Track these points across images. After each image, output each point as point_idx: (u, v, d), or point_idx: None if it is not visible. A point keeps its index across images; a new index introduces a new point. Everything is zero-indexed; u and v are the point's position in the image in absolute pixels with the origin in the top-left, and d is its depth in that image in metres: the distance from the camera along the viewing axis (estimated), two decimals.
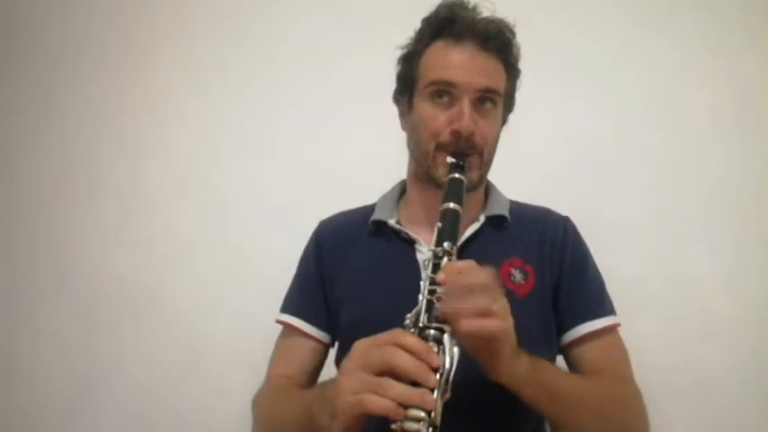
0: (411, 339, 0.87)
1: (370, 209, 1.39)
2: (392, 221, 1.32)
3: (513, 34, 1.26)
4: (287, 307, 1.40)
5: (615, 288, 1.36)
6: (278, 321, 1.38)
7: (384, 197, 1.42)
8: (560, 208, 1.42)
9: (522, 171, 1.88)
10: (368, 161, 2.00)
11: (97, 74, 2.25)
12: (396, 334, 0.88)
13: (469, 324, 0.87)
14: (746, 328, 1.87)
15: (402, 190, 1.43)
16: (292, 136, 2.15)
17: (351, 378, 0.87)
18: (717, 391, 1.85)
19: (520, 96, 1.94)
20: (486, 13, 1.24)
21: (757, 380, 1.85)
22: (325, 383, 1.06)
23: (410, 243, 1.29)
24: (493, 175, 1.37)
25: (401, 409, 0.82)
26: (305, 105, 2.15)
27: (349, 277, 1.32)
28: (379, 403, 0.82)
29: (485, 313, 0.88)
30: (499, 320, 0.89)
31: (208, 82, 2.22)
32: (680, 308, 1.90)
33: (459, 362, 0.88)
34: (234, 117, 2.19)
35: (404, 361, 0.84)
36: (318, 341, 1.34)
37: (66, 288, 2.16)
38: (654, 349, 1.82)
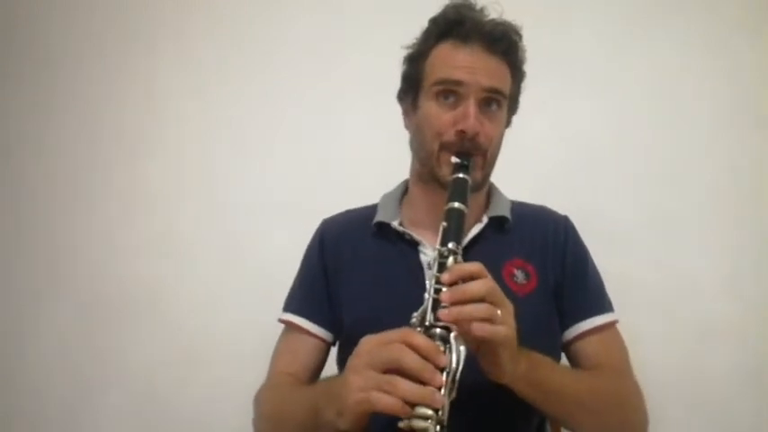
0: (420, 338, 0.87)
1: (372, 209, 1.39)
2: (395, 224, 1.32)
3: (520, 37, 1.27)
4: (290, 305, 1.39)
5: (614, 288, 1.36)
6: (281, 320, 1.38)
7: (386, 197, 1.42)
8: (558, 207, 1.44)
9: (519, 170, 1.87)
10: (368, 161, 2.01)
11: (97, 74, 2.25)
12: (404, 332, 0.89)
13: (481, 328, 0.88)
14: (746, 328, 1.89)
15: (404, 190, 1.43)
16: (292, 136, 2.15)
17: (358, 375, 0.87)
18: (716, 391, 1.86)
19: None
20: (493, 14, 1.25)
21: (757, 380, 1.87)
22: (330, 379, 1.07)
23: (414, 245, 1.29)
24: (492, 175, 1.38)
25: (408, 408, 0.82)
26: (305, 105, 2.15)
27: (352, 278, 1.33)
28: (387, 401, 0.83)
29: (488, 320, 0.89)
30: (504, 327, 0.90)
31: (208, 82, 2.22)
32: (679, 308, 1.92)
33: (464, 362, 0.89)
34: (234, 117, 2.19)
35: (412, 360, 0.84)
36: (322, 339, 1.34)
37: (67, 288, 2.15)
38: (653, 349, 1.83)
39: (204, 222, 2.15)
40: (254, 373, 1.36)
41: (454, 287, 0.91)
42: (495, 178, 1.40)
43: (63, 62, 2.26)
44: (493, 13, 1.25)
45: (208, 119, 2.20)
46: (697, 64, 2.01)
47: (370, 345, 0.90)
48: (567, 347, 1.30)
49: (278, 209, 2.09)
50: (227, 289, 2.09)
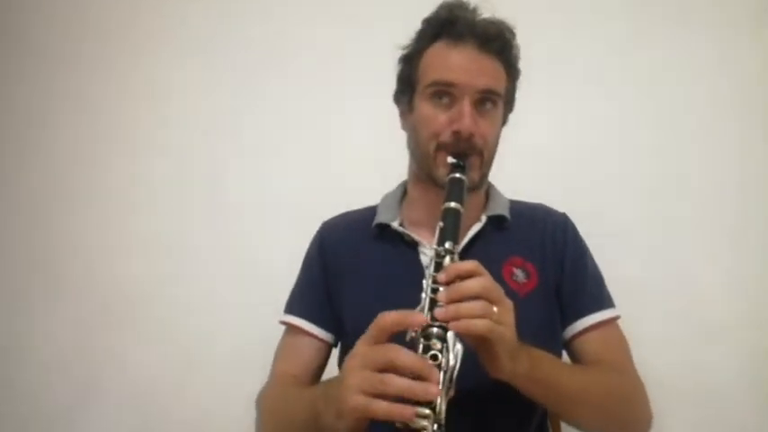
0: (406, 356, 0.86)
1: (372, 210, 1.40)
2: (395, 224, 1.32)
3: (514, 35, 1.27)
4: (292, 308, 1.40)
5: (615, 289, 1.36)
6: (282, 322, 1.39)
7: (386, 198, 1.43)
8: (558, 207, 1.44)
9: (519, 170, 1.86)
10: (369, 161, 2.00)
11: (97, 71, 2.23)
12: (390, 348, 0.88)
13: (473, 325, 0.88)
14: (747, 330, 1.87)
15: (404, 191, 1.43)
16: (295, 135, 2.14)
17: (354, 376, 0.87)
18: (717, 393, 1.85)
19: (517, 94, 1.94)
20: (486, 14, 1.25)
21: (758, 381, 1.85)
22: (329, 381, 1.07)
23: (413, 245, 1.30)
24: (491, 175, 1.38)
25: (410, 409, 0.82)
26: (309, 104, 2.14)
27: (354, 282, 1.33)
28: (385, 409, 0.83)
29: (484, 317, 0.89)
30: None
31: (210, 80, 2.21)
32: (680, 309, 1.90)
33: (463, 360, 0.89)
34: (237, 116, 2.18)
35: (407, 357, 0.85)
36: (323, 341, 1.34)
37: (65, 289, 2.13)
38: (654, 350, 1.78)
39: (204, 222, 2.14)
40: (255, 374, 1.36)
41: (450, 286, 0.92)
42: (496, 177, 1.40)
43: (62, 59, 2.25)
44: (486, 13, 1.25)
45: (209, 118, 2.19)
46: (701, 63, 2.00)
47: (366, 346, 0.90)
48: (568, 345, 1.30)
49: (279, 208, 2.08)
50: (228, 289, 2.07)
